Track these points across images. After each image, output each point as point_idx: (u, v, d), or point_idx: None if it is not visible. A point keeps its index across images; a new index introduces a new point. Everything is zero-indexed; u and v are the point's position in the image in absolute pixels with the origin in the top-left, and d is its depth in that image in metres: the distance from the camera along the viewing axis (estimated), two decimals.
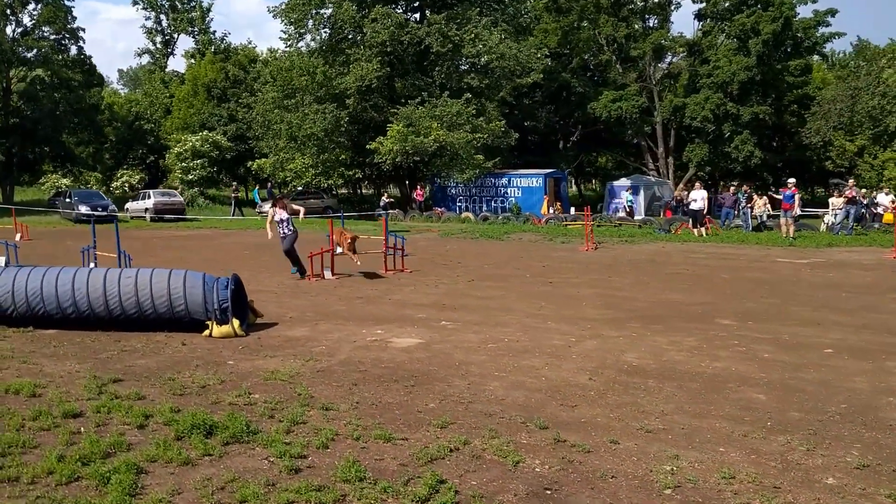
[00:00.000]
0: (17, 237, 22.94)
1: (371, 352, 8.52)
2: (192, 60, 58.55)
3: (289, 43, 40.72)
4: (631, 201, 34.31)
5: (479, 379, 7.35)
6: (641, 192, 37.02)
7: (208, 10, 66.46)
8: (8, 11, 49.01)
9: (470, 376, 7.44)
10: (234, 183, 47.38)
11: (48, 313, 9.61)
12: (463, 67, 39.18)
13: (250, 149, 49.22)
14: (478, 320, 10.48)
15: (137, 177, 53.39)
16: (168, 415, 6.01)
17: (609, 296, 12.93)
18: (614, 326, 10.09)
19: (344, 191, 55.99)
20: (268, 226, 15.29)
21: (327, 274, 15.20)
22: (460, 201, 40.43)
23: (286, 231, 15.11)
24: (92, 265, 16.03)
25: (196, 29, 63.69)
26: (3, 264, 17.39)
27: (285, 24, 39.68)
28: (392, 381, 7.21)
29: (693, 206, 25.56)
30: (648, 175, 42.94)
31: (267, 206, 42.01)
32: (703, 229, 25.00)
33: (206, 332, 9.30)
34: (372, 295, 13.09)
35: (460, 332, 9.61)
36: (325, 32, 40.11)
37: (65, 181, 49.95)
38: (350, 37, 39.67)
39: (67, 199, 38.52)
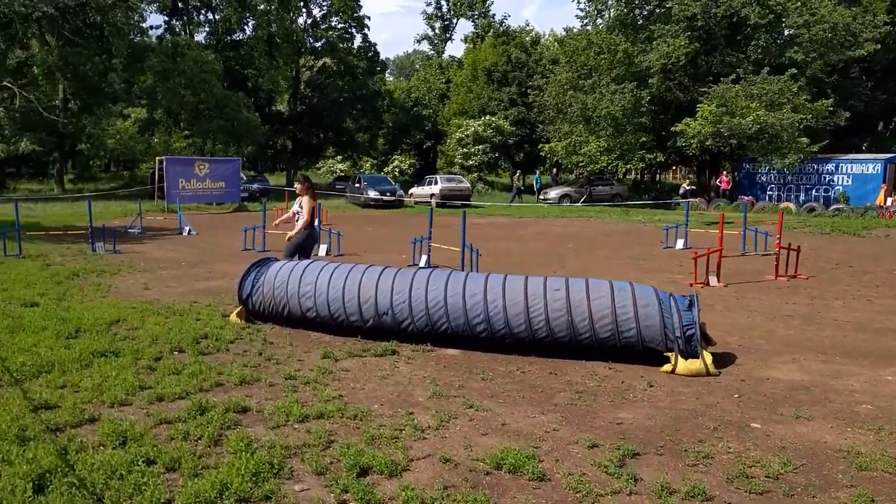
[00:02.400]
0: (315, 222, 22.12)
1: None
2: (472, 45, 58.32)
3: (585, 21, 38.63)
4: None
5: None
6: None
7: None
8: (301, 3, 51.17)
9: None
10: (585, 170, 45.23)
11: (453, 330, 7.76)
12: (780, 41, 34.91)
13: (531, 133, 47.88)
14: None
15: (408, 162, 53.96)
16: None
17: None
18: None
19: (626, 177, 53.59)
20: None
21: (713, 280, 12.59)
22: (771, 189, 36.12)
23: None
24: (424, 258, 14.68)
25: (476, 13, 63.71)
26: (323, 253, 16.64)
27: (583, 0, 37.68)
28: None
29: None
30: None
31: (553, 193, 40.16)
32: None
33: (667, 368, 6.99)
34: (796, 311, 10.28)
35: None
36: (623, 9, 37.51)
37: (340, 166, 51.45)
38: (648, 12, 36.79)
39: (356, 184, 38.83)
